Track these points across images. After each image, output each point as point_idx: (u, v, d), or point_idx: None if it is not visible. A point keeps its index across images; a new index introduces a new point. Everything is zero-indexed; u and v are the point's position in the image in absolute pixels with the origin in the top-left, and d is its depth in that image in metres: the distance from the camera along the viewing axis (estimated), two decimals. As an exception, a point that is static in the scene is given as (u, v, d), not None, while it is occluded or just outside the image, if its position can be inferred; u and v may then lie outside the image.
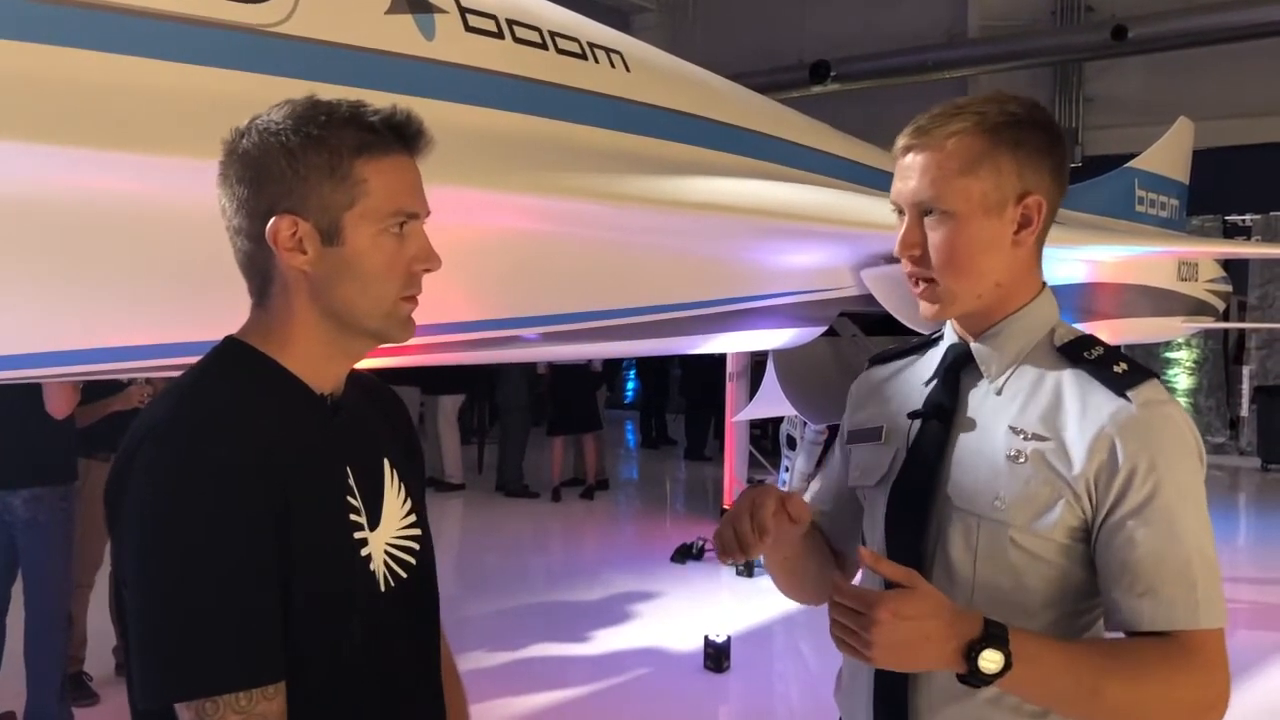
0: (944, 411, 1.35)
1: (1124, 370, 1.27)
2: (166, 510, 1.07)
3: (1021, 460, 1.26)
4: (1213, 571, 1.22)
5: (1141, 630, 1.21)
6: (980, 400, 1.34)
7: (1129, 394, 1.24)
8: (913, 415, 1.39)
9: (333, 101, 1.19)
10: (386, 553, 1.24)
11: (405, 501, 1.29)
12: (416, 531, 1.30)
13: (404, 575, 1.26)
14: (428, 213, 1.24)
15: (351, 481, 1.21)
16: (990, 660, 1.12)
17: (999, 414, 1.31)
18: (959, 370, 1.37)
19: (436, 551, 1.37)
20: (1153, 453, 1.22)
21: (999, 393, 1.33)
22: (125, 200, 1.94)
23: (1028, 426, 1.28)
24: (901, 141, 1.33)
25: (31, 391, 3.61)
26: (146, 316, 2.07)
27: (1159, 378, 1.29)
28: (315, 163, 1.15)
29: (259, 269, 1.20)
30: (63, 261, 1.92)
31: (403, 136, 1.20)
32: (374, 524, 1.23)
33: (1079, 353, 1.31)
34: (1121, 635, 1.25)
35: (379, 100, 1.22)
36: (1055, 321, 1.35)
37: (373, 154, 1.17)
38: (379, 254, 1.18)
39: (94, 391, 4.10)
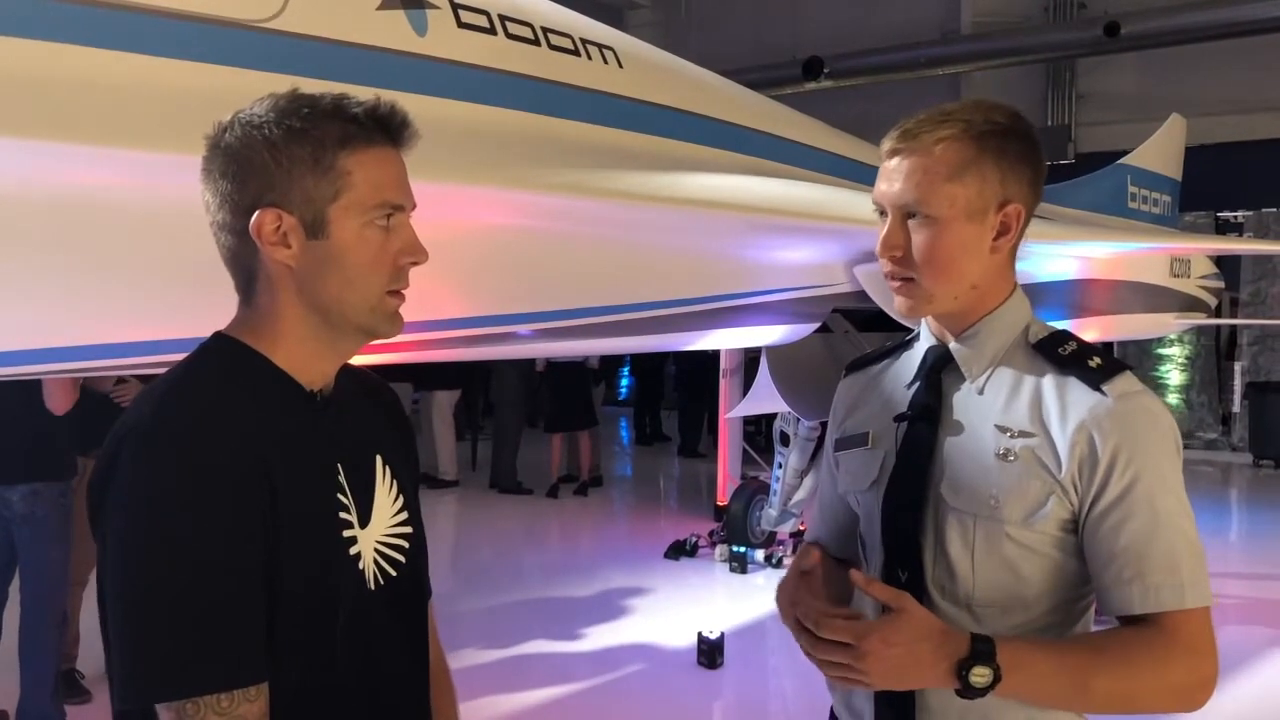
0: (930, 413, 1.38)
1: (1098, 364, 1.31)
2: (150, 508, 1.06)
3: (1012, 459, 1.30)
4: (1195, 552, 1.27)
5: (1133, 614, 1.26)
6: (964, 400, 1.37)
7: (1104, 387, 1.28)
8: (899, 418, 1.41)
9: (316, 94, 1.18)
10: (376, 551, 1.23)
11: (397, 499, 1.28)
12: (408, 530, 1.29)
13: (393, 574, 1.25)
14: (413, 205, 1.22)
15: (342, 479, 1.20)
16: (980, 675, 1.18)
17: (984, 413, 1.34)
18: (940, 371, 1.40)
19: (431, 548, 1.36)
20: (1131, 444, 1.26)
21: (981, 392, 1.36)
22: (119, 196, 1.93)
23: (1014, 424, 1.31)
24: (887, 145, 1.35)
25: (30, 387, 3.60)
26: (145, 312, 2.06)
27: (1132, 369, 1.33)
28: (298, 155, 1.14)
29: (243, 264, 1.19)
30: (59, 257, 1.91)
31: (387, 128, 1.19)
32: (364, 522, 1.22)
33: (1053, 349, 1.35)
34: (1114, 621, 1.29)
35: (370, 96, 1.21)
36: (1029, 319, 1.39)
37: (356, 146, 1.16)
38: (364, 247, 1.17)
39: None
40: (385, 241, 1.18)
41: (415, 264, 1.22)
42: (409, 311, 1.25)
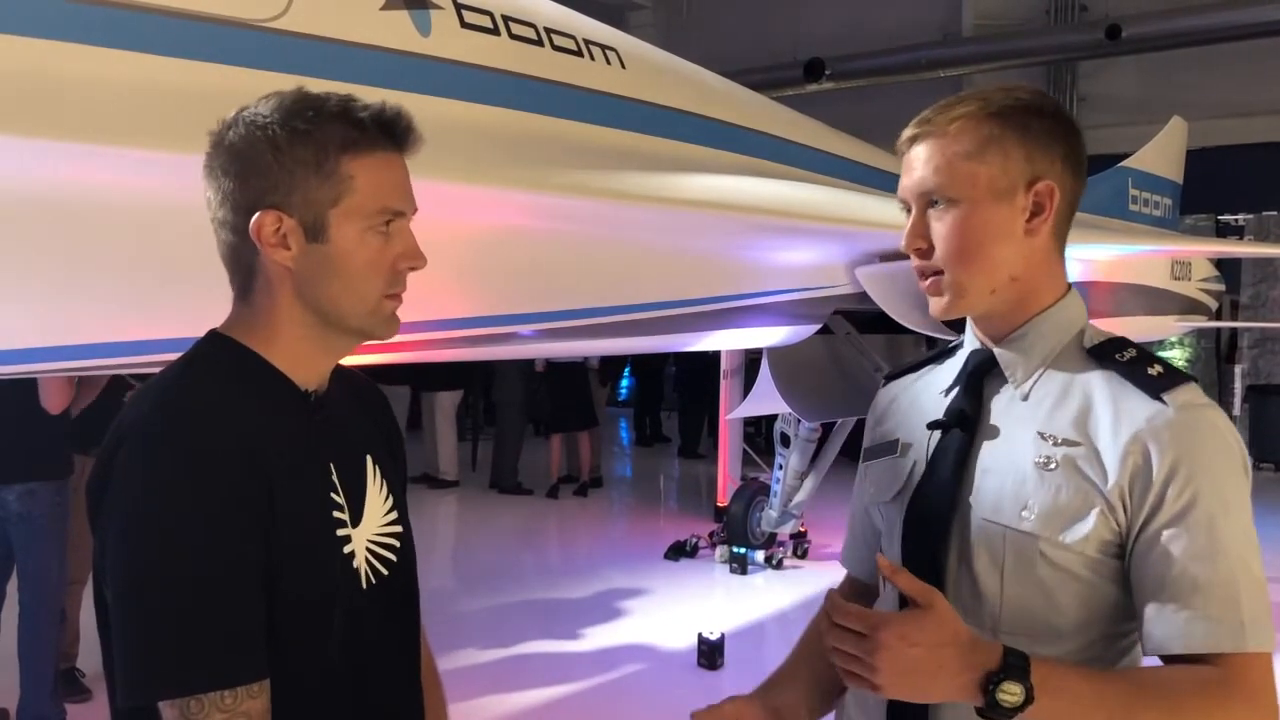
0: (966, 419, 1.27)
1: (1159, 373, 1.20)
2: (151, 506, 1.07)
3: (1051, 467, 1.18)
4: (1259, 588, 1.13)
5: (1180, 653, 1.12)
6: (1005, 406, 1.26)
7: (1165, 397, 1.16)
8: (932, 425, 1.30)
9: (322, 95, 1.17)
10: (368, 550, 1.24)
11: (387, 499, 1.29)
12: (398, 529, 1.30)
13: (385, 573, 1.25)
14: (415, 210, 1.22)
15: (335, 478, 1.21)
16: (1009, 693, 1.05)
17: (1026, 420, 1.23)
18: (982, 376, 1.29)
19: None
20: (1191, 459, 1.13)
21: (1025, 398, 1.25)
22: (120, 196, 1.93)
23: (1057, 432, 1.19)
24: (906, 134, 1.26)
25: (26, 386, 3.60)
26: (141, 311, 2.06)
27: (1195, 380, 1.21)
28: (301, 158, 1.13)
29: (242, 263, 1.19)
30: (57, 256, 1.91)
31: (391, 134, 1.18)
32: (356, 521, 1.22)
33: (1110, 355, 1.23)
34: (1158, 662, 1.16)
35: (374, 97, 1.21)
36: (1084, 323, 1.28)
37: (360, 150, 1.16)
38: (364, 251, 1.17)
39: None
40: (385, 247, 1.18)
41: (414, 269, 1.22)
42: (411, 312, 1.26)
